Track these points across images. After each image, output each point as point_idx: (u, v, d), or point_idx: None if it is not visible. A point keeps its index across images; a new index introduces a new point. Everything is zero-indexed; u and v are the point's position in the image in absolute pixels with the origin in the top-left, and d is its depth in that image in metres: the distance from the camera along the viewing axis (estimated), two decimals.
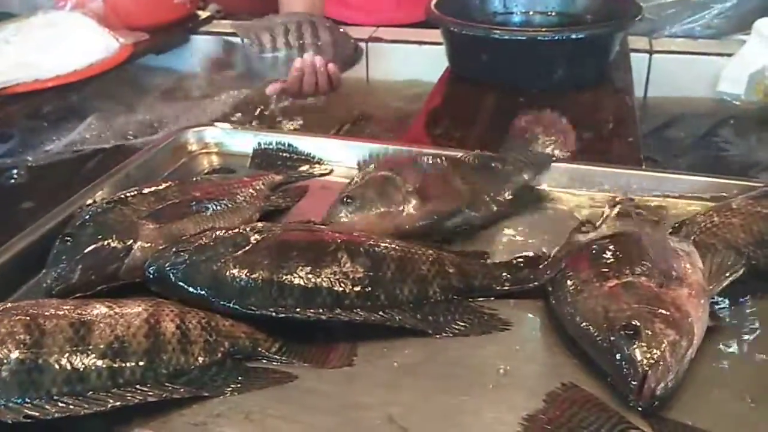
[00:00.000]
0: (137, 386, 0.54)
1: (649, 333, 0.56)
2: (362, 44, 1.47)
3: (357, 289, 0.63)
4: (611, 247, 0.67)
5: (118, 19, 1.60)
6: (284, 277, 0.63)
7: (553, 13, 1.36)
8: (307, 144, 0.97)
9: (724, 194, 0.82)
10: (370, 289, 0.64)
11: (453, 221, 0.76)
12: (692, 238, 0.72)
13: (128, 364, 0.55)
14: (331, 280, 0.63)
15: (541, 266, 0.70)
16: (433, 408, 0.56)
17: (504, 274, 0.70)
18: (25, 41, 1.39)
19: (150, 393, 0.54)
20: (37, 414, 0.51)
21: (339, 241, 0.67)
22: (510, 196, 0.82)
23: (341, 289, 0.63)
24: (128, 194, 0.75)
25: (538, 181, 0.87)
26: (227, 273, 0.63)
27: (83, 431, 0.53)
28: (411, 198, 0.75)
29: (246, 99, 1.33)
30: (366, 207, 0.74)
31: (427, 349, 0.63)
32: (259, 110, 1.36)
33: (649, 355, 0.55)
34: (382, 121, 1.38)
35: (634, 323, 0.56)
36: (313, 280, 0.63)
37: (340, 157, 0.95)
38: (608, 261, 0.65)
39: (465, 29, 1.22)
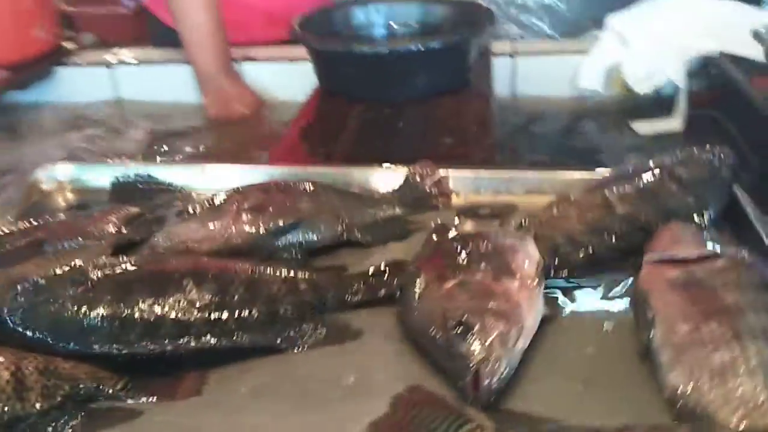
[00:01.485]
0: None
1: (479, 328, 0.58)
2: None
3: (203, 315, 0.63)
4: (453, 248, 0.70)
5: None
6: (125, 312, 0.62)
7: (414, 24, 1.40)
8: (166, 173, 0.95)
9: (572, 187, 0.86)
10: (217, 314, 0.64)
11: (290, 238, 0.77)
12: (533, 231, 0.75)
13: None
14: (176, 309, 0.63)
15: (394, 274, 0.72)
16: (280, 429, 0.57)
17: (357, 285, 0.71)
18: None
19: None
20: None
21: (184, 269, 0.66)
22: (367, 222, 0.83)
23: (186, 317, 0.63)
24: None
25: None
26: (66, 313, 0.62)
27: None
28: (242, 215, 0.77)
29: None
30: (196, 220, 0.76)
31: (279, 368, 0.63)
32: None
33: (479, 351, 0.57)
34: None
35: (463, 320, 0.58)
36: (156, 311, 0.62)
37: (204, 183, 0.94)
38: (448, 262, 0.67)
39: (324, 45, 1.24)
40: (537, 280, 0.66)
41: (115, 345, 0.61)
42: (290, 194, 0.81)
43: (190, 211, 0.78)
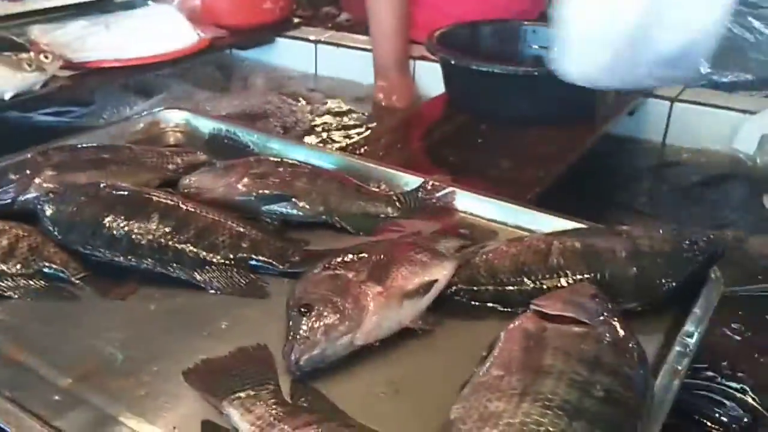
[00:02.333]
0: None
1: (314, 314, 0.66)
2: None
3: (150, 241, 0.79)
4: (368, 247, 0.77)
5: (210, 17, 1.89)
6: (101, 222, 0.80)
7: None
8: (249, 138, 1.13)
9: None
10: (162, 243, 0.79)
11: (273, 207, 0.89)
12: (468, 257, 0.79)
13: None
14: (134, 231, 0.80)
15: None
16: (147, 343, 0.71)
17: (292, 258, 0.82)
18: (119, 27, 1.69)
19: None
20: None
21: (162, 204, 0.83)
22: (352, 212, 0.91)
23: (138, 240, 0.79)
24: (56, 147, 0.97)
25: None
26: (65, 212, 0.82)
27: None
28: (245, 178, 0.91)
29: None
30: (210, 173, 0.93)
31: (190, 299, 0.77)
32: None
33: (302, 330, 0.65)
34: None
35: (306, 303, 0.67)
36: (120, 228, 0.80)
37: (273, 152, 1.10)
38: (350, 257, 0.74)
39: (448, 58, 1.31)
40: (411, 296, 0.70)
41: (85, 245, 0.80)
42: (294, 173, 0.93)
43: (214, 165, 0.95)
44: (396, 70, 1.64)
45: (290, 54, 1.96)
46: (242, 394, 0.61)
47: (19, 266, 0.78)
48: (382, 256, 0.74)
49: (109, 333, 0.72)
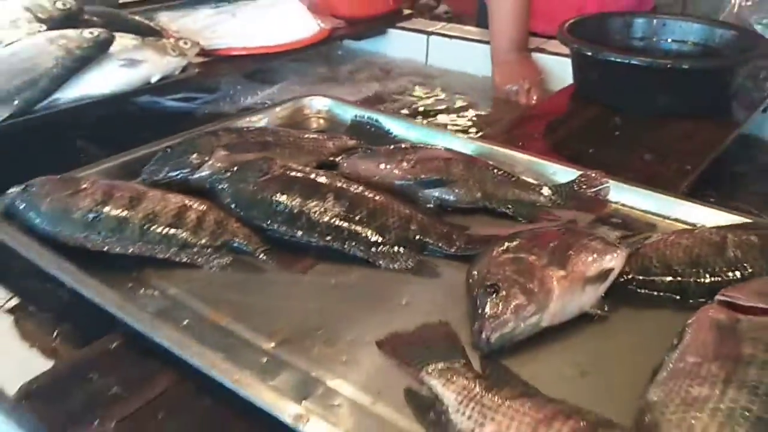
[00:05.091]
0: (155, 245, 0.81)
1: (503, 293, 0.68)
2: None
3: (327, 219, 0.83)
4: (541, 232, 0.79)
5: (326, 8, 1.94)
6: (282, 200, 0.85)
7: (692, 43, 1.39)
8: (391, 124, 1.17)
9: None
10: (338, 221, 0.84)
11: (431, 192, 0.92)
12: (636, 247, 0.80)
13: (154, 228, 0.82)
14: (312, 210, 0.84)
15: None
16: (338, 314, 0.75)
17: (458, 242, 0.85)
18: (245, 15, 1.76)
19: (158, 250, 0.81)
20: (89, 245, 0.80)
21: (335, 185, 0.88)
22: (508, 198, 0.94)
23: (316, 218, 0.84)
24: (224, 128, 1.03)
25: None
26: (246, 190, 0.87)
27: (118, 267, 0.81)
28: (404, 162, 0.95)
29: None
30: (369, 157, 0.97)
31: (364, 276, 0.81)
32: None
33: (492, 309, 0.68)
34: None
35: (494, 283, 0.69)
36: (299, 207, 0.84)
37: (412, 137, 1.13)
38: (526, 240, 0.77)
39: (583, 49, 1.31)
40: (593, 282, 0.72)
41: (267, 222, 0.85)
42: (450, 160, 0.96)
43: (372, 150, 0.99)
44: (516, 53, 1.62)
45: (401, 45, 1.99)
46: (439, 366, 0.65)
47: (207, 239, 0.83)
48: (557, 242, 0.76)
49: (300, 303, 0.76)
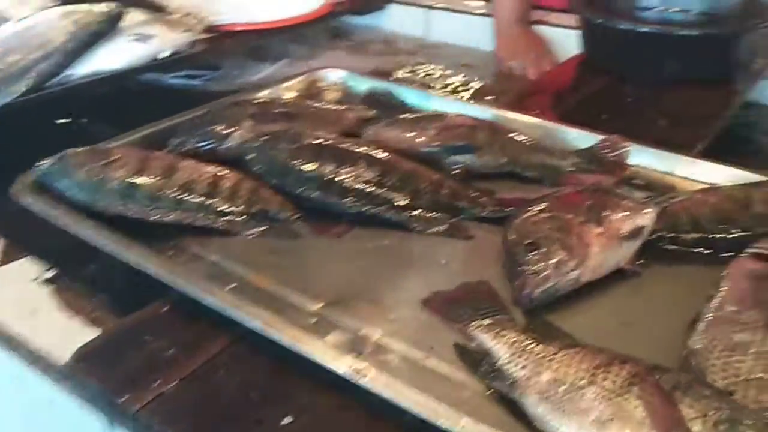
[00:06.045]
0: (191, 212, 0.82)
1: (543, 250, 0.70)
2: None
3: (360, 186, 0.85)
4: (575, 193, 0.81)
5: None
6: (314, 168, 0.86)
7: (694, 12, 1.40)
8: (406, 94, 1.18)
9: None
10: (371, 187, 0.85)
11: (457, 158, 0.94)
12: (664, 206, 0.82)
13: (191, 197, 0.83)
14: (346, 176, 0.85)
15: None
16: (378, 275, 0.76)
17: (489, 205, 0.86)
18: None
19: (196, 218, 0.82)
20: (128, 213, 0.81)
21: (364, 152, 0.89)
22: (532, 162, 0.95)
23: (350, 185, 0.85)
24: (245, 100, 1.03)
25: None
26: (278, 158, 0.88)
27: (157, 236, 0.82)
28: (429, 130, 0.96)
29: None
30: (393, 126, 0.99)
31: (399, 240, 0.82)
32: None
33: (533, 265, 0.70)
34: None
35: (534, 241, 0.71)
36: (332, 174, 0.86)
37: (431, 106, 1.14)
38: (561, 201, 0.79)
39: (596, 17, 1.32)
40: (628, 238, 0.74)
41: (299, 188, 0.86)
42: (474, 126, 0.98)
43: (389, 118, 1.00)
44: (518, 25, 1.63)
45: (400, 19, 1.99)
46: (485, 321, 0.67)
47: (243, 206, 0.84)
48: (591, 201, 0.78)
49: (340, 265, 0.78)
